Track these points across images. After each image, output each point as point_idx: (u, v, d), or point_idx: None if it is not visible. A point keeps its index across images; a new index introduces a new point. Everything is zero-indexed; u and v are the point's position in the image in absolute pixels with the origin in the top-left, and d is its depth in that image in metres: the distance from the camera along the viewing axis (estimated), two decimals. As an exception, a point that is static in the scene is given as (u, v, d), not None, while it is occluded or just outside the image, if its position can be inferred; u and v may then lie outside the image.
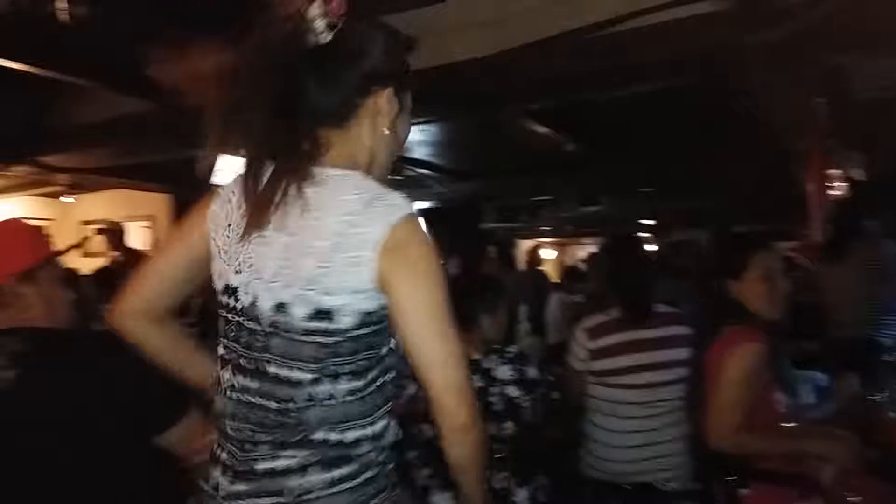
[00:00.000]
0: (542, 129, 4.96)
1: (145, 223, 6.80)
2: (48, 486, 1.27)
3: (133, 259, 5.51)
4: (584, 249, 7.82)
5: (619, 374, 2.21)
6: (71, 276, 1.62)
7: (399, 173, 6.20)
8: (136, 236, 6.42)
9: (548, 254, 13.91)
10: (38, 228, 1.53)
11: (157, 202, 6.66)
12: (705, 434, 1.73)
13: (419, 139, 5.64)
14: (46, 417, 1.28)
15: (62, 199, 6.91)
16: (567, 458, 2.32)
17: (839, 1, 2.65)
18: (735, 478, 1.69)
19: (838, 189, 4.07)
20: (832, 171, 4.08)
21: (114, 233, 5.51)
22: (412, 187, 6.80)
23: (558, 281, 6.85)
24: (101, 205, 6.99)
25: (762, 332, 1.77)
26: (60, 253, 1.52)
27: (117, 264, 5.34)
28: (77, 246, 2.20)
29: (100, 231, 5.35)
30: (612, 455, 2.17)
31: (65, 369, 1.31)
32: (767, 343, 1.75)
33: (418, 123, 5.00)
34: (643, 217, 9.84)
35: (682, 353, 2.20)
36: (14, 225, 1.50)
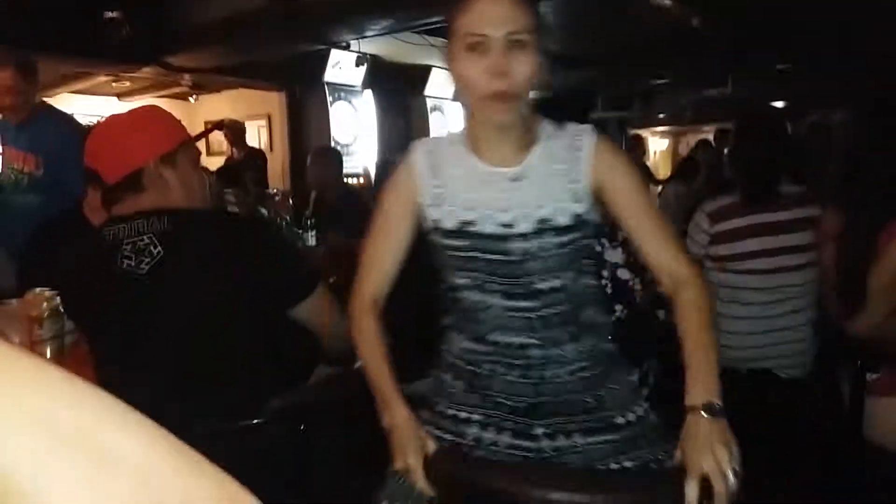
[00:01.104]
0: (666, 1, 4.58)
1: (262, 122, 7.08)
2: (188, 351, 1.36)
3: (252, 156, 5.82)
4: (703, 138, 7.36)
5: (742, 258, 2.11)
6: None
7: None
8: (254, 135, 6.72)
9: (658, 144, 13.25)
10: (173, 116, 1.57)
11: (274, 102, 6.88)
12: (851, 321, 1.64)
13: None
14: (190, 292, 1.36)
15: (189, 99, 7.28)
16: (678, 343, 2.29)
17: None
18: (862, 363, 1.61)
19: None
20: None
21: (234, 130, 5.78)
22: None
23: (671, 173, 6.57)
24: (223, 105, 7.31)
25: None
26: (196, 138, 1.59)
27: (237, 161, 5.66)
28: (203, 136, 2.31)
29: (220, 128, 5.61)
30: (731, 341, 2.12)
31: (207, 246, 1.39)
32: None
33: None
34: (774, 99, 9.05)
35: (808, 236, 2.07)
36: (153, 110, 1.54)
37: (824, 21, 5.14)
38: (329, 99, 6.47)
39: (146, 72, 5.75)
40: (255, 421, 1.30)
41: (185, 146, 1.50)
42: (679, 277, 1.17)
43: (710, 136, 7.10)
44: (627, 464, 1.18)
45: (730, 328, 2.12)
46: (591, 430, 1.20)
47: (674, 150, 13.33)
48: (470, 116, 1.25)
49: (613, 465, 1.18)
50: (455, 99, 7.51)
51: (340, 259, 3.26)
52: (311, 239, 3.42)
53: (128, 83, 6.58)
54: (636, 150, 6.80)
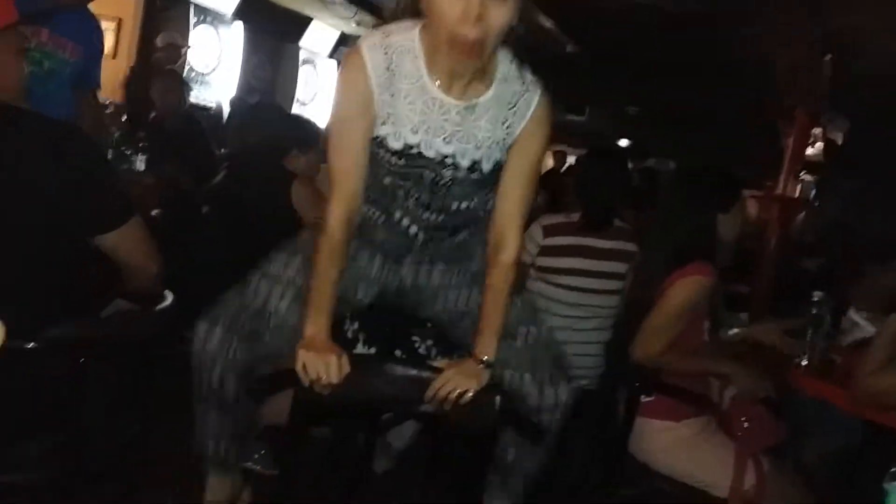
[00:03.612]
0: (547, 23, 4.76)
1: (111, 24, 6.36)
2: None
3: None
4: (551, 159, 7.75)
5: (562, 273, 2.27)
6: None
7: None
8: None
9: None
10: None
11: (129, 6, 6.20)
12: (633, 346, 1.81)
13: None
14: None
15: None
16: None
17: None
18: (639, 385, 1.79)
19: (816, 149, 4.10)
20: (815, 130, 4.09)
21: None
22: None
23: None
24: (117, 2, 6.44)
25: (714, 269, 1.82)
26: (22, 22, 1.39)
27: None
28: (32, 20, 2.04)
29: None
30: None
31: (8, 147, 1.22)
32: (716, 279, 1.82)
33: None
34: (622, 137, 9.80)
35: (623, 267, 2.27)
36: None
37: (676, 75, 5.65)
38: (193, 20, 5.97)
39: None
40: (27, 345, 1.16)
41: (7, 30, 1.31)
42: (504, 241, 1.32)
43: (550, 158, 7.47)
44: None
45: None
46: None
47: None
48: (432, 36, 1.21)
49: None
50: (332, 56, 7.31)
51: (170, 191, 3.04)
52: (139, 163, 3.15)
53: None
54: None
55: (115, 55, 6.28)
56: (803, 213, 4.25)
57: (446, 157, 1.28)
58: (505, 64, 1.27)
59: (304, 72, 7.27)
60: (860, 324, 2.11)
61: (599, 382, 2.22)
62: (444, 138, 1.27)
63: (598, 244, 2.28)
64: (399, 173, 1.31)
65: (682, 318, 1.80)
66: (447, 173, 1.30)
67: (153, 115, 3.71)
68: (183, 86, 3.80)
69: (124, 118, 3.97)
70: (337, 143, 1.29)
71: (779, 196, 3.70)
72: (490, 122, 1.27)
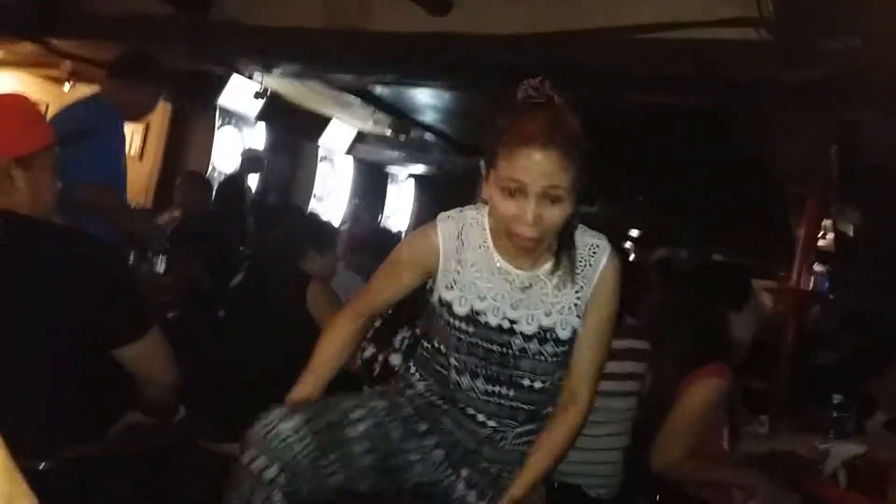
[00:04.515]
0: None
1: (138, 127, 6.66)
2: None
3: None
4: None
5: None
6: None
7: (405, 132, 6.14)
8: (131, 140, 6.31)
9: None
10: (40, 112, 1.46)
11: (159, 109, 6.52)
12: (652, 453, 1.77)
13: (431, 103, 5.58)
14: (8, 303, 1.23)
15: (64, 86, 6.74)
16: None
17: (872, 56, 2.65)
18: (660, 498, 1.74)
19: (827, 240, 4.12)
20: (825, 222, 4.12)
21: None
22: (414, 149, 6.71)
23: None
24: (101, 100, 6.82)
25: (731, 370, 1.80)
26: (59, 141, 1.48)
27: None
28: (69, 142, 2.14)
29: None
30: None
31: (38, 262, 1.28)
32: (732, 382, 1.79)
33: (434, 87, 4.96)
34: (633, 226, 9.87)
35: (638, 366, 2.22)
36: (20, 102, 1.42)
37: (686, 167, 5.75)
38: (217, 122, 6.25)
39: (24, 45, 5.31)
40: (41, 466, 1.17)
41: (46, 149, 1.39)
42: (577, 397, 1.33)
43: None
44: None
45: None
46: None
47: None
48: (495, 220, 1.27)
49: None
50: (349, 153, 7.56)
51: (188, 293, 3.09)
52: (159, 264, 3.22)
53: (0, 53, 6.02)
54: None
55: (141, 157, 6.57)
56: (817, 307, 4.22)
57: (514, 322, 1.28)
58: (567, 233, 1.30)
59: (321, 168, 7.51)
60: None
61: (620, 491, 2.14)
62: (512, 304, 1.29)
63: None
64: (467, 343, 1.30)
65: (700, 422, 1.77)
66: (516, 342, 1.29)
67: (175, 214, 3.81)
68: (206, 189, 3.93)
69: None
70: (386, 269, 1.39)
71: (793, 289, 3.68)
72: (558, 288, 1.29)
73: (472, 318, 1.29)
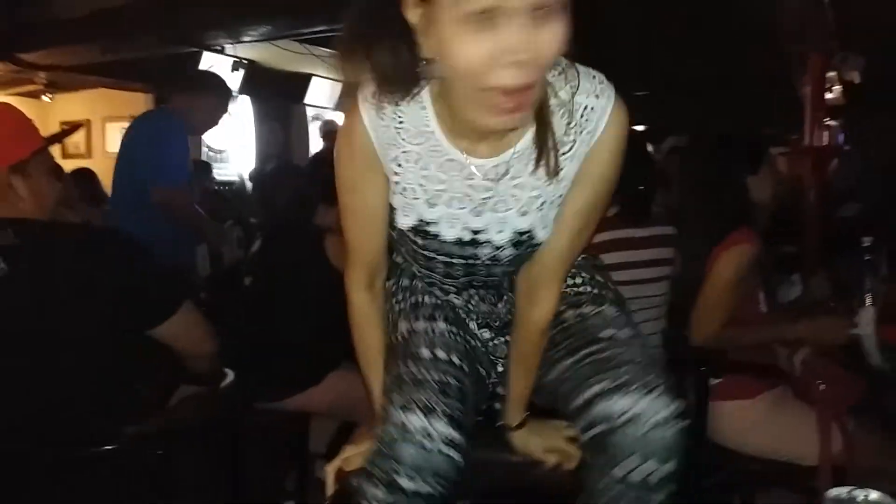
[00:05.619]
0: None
1: (125, 124, 6.62)
2: (33, 375, 1.27)
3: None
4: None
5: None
6: (57, 169, 1.59)
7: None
8: (115, 138, 6.29)
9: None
10: (28, 118, 1.45)
11: (139, 103, 6.47)
12: (691, 328, 1.79)
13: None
14: (37, 313, 1.28)
15: (43, 98, 6.70)
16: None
17: None
18: (705, 369, 1.77)
19: (835, 93, 4.00)
20: (831, 75, 4.00)
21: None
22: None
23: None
24: (81, 105, 6.80)
25: (756, 234, 1.80)
26: (50, 144, 1.48)
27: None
28: (61, 139, 2.19)
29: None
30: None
31: (57, 263, 1.31)
32: (759, 245, 1.79)
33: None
34: (638, 123, 9.70)
35: (666, 252, 2.24)
36: (6, 111, 1.42)
37: (680, 50, 5.60)
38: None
39: (-6, 67, 5.26)
40: (108, 447, 1.22)
41: (39, 153, 1.40)
42: (538, 296, 1.07)
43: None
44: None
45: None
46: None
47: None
48: (448, 95, 0.91)
49: None
50: (336, 108, 7.47)
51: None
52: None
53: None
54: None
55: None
56: (835, 161, 4.14)
57: (478, 232, 1.00)
58: (547, 86, 0.90)
59: (314, 128, 7.45)
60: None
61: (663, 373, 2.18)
62: (473, 210, 0.99)
63: (637, 234, 2.23)
64: (422, 255, 1.07)
65: (733, 291, 1.78)
66: (484, 251, 1.02)
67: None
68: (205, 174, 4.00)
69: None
70: (345, 209, 1.08)
71: (808, 147, 3.61)
72: (537, 173, 0.95)
73: (421, 230, 1.01)
